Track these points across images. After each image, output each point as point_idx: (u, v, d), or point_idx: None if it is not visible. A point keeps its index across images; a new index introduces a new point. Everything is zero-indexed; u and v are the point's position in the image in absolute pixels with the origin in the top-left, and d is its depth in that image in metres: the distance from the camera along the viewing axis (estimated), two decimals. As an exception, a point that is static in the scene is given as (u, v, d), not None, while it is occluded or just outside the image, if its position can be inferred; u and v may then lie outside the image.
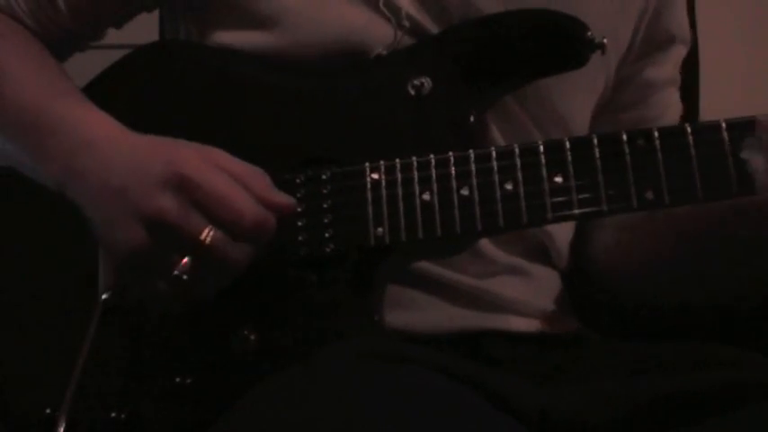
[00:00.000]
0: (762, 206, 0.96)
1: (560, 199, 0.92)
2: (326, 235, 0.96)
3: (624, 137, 0.92)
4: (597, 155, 0.92)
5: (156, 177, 0.88)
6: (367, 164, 0.95)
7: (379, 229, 0.94)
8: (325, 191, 0.96)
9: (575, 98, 1.09)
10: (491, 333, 1.04)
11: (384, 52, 1.01)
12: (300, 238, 0.96)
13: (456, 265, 1.03)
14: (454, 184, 0.93)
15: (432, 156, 0.94)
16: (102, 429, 0.97)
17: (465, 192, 0.93)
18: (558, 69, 1.01)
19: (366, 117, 0.99)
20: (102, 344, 0.95)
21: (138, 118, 0.96)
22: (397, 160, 0.95)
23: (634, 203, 0.92)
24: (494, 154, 0.94)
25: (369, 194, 0.95)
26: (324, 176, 0.96)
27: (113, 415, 0.97)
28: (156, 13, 1.17)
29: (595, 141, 0.93)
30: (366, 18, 1.01)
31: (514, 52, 1.00)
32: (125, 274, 0.93)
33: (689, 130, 0.90)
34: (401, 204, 0.94)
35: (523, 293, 1.07)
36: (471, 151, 0.94)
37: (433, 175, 0.94)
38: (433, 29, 1.02)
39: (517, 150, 0.93)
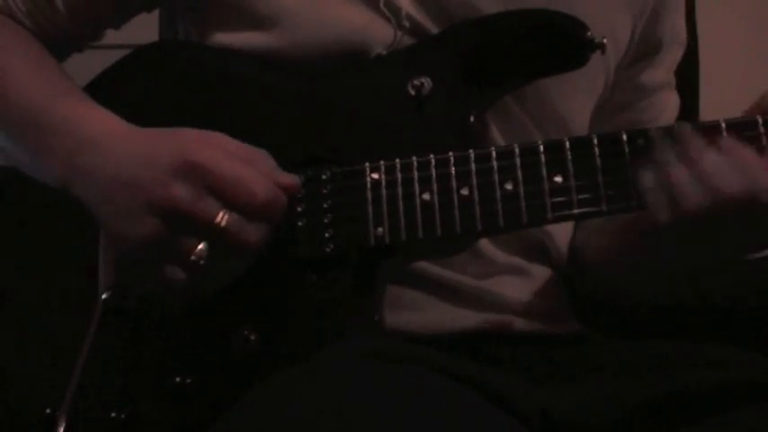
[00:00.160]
0: None
1: (560, 199, 0.92)
2: (326, 235, 0.95)
3: (624, 137, 0.92)
4: (597, 155, 0.92)
5: (165, 166, 0.89)
6: (367, 164, 0.95)
7: (379, 229, 0.94)
8: (325, 191, 0.96)
9: (575, 98, 1.09)
10: (491, 333, 1.04)
11: (384, 52, 1.01)
12: (300, 238, 0.96)
13: (456, 265, 1.03)
14: (454, 183, 0.93)
15: (432, 156, 0.94)
16: (102, 429, 0.97)
17: (465, 192, 0.93)
18: (558, 69, 1.01)
19: (366, 117, 0.99)
20: (102, 344, 0.96)
21: (138, 118, 0.96)
22: (397, 160, 0.95)
23: (634, 203, 0.92)
24: (494, 154, 0.93)
25: (369, 194, 0.95)
26: (324, 176, 0.96)
27: (113, 415, 0.97)
28: (155, 13, 1.17)
29: (595, 141, 0.92)
30: (366, 18, 1.01)
31: (514, 52, 1.00)
32: (137, 268, 0.93)
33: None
34: (401, 204, 0.94)
35: (523, 293, 1.07)
36: (471, 151, 0.94)
37: (433, 175, 0.94)
38: (433, 29, 1.02)
39: (517, 150, 0.93)
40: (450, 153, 0.94)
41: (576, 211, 0.92)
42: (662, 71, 1.17)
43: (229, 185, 0.89)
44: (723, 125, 0.90)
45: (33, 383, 1.00)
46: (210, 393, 0.96)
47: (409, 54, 1.01)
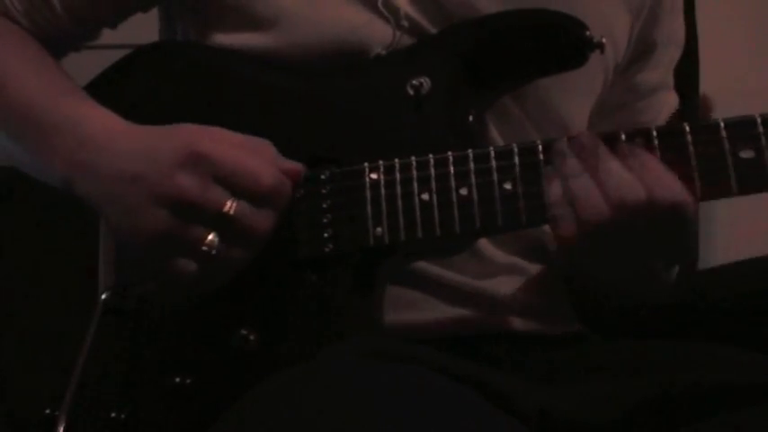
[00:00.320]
0: None
1: None
2: (326, 235, 0.95)
3: (622, 135, 0.91)
4: None
5: (169, 159, 0.90)
6: (366, 164, 0.95)
7: (378, 229, 0.94)
8: (324, 191, 0.96)
9: (573, 99, 1.09)
10: (491, 333, 1.04)
11: (383, 52, 1.01)
12: (300, 238, 0.96)
13: (455, 265, 1.03)
14: (453, 183, 0.93)
15: (431, 155, 0.94)
16: (101, 429, 0.97)
17: (464, 191, 0.93)
18: (557, 69, 1.01)
19: (365, 117, 0.99)
20: (102, 344, 0.96)
21: (138, 117, 0.96)
22: (396, 160, 0.94)
23: None
24: (492, 153, 0.93)
25: (368, 194, 0.95)
26: (323, 176, 0.96)
27: (113, 415, 0.97)
28: (155, 14, 1.17)
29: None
30: (365, 18, 1.01)
31: (514, 52, 1.00)
32: (147, 263, 0.94)
33: (687, 129, 0.90)
34: (400, 204, 0.94)
35: (523, 293, 1.07)
36: (470, 151, 0.93)
37: (432, 175, 0.94)
38: (432, 29, 1.02)
39: (516, 149, 0.93)
40: (449, 153, 0.94)
41: None
42: (658, 72, 1.17)
43: (235, 174, 0.89)
44: (722, 124, 0.89)
45: (33, 383, 1.00)
46: (210, 393, 0.96)
47: (408, 54, 1.00)
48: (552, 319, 1.09)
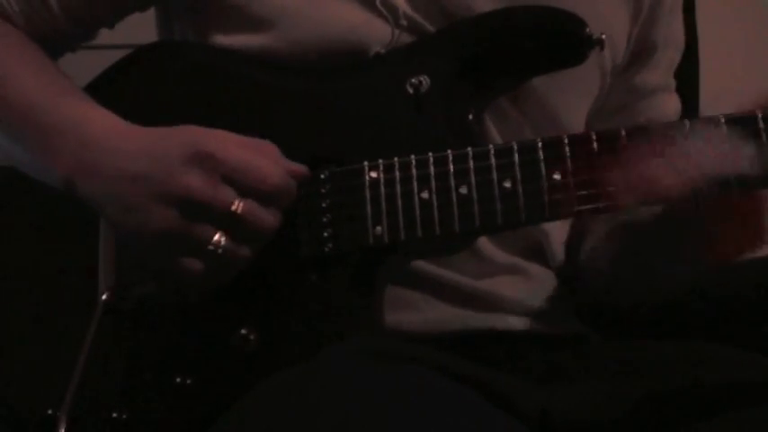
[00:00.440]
0: None
1: (559, 196, 0.92)
2: (325, 234, 0.95)
3: (623, 133, 0.91)
4: (596, 151, 0.92)
5: (176, 159, 0.90)
6: (365, 163, 0.95)
7: (378, 228, 0.94)
8: (323, 190, 0.96)
9: (571, 99, 1.09)
10: (491, 333, 1.04)
11: (382, 51, 1.00)
12: (300, 237, 0.96)
13: (455, 265, 1.03)
14: (453, 182, 0.93)
15: (430, 154, 0.94)
16: (102, 429, 0.97)
17: (464, 190, 0.93)
18: (556, 66, 1.01)
19: (364, 116, 0.99)
20: (102, 344, 0.96)
21: (138, 117, 0.96)
22: (396, 159, 0.94)
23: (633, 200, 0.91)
24: (492, 151, 0.93)
25: (367, 193, 0.94)
26: (322, 176, 0.96)
27: (114, 415, 0.97)
28: (154, 14, 1.17)
29: (594, 137, 0.92)
30: (363, 17, 1.01)
31: (512, 49, 0.99)
32: (152, 262, 0.94)
33: (687, 126, 0.90)
34: (400, 203, 0.94)
35: (523, 293, 1.07)
36: (470, 149, 0.94)
37: (432, 174, 0.94)
38: (431, 27, 1.02)
39: (516, 147, 0.93)
40: (449, 151, 0.94)
41: (575, 208, 0.92)
42: (657, 74, 1.17)
43: (242, 172, 0.90)
44: (722, 120, 0.89)
45: (34, 384, 1.00)
46: (211, 393, 0.96)
47: (407, 53, 1.00)
48: (552, 319, 1.09)
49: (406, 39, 1.01)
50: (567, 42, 0.99)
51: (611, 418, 0.94)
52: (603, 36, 0.98)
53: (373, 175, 0.95)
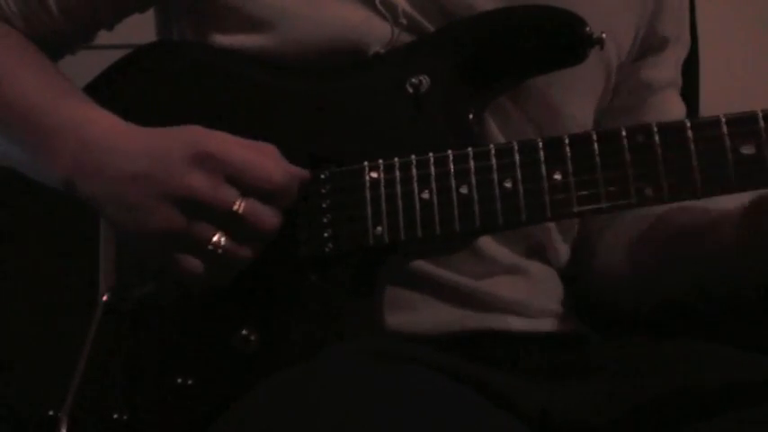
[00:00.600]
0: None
1: (560, 196, 0.92)
2: (326, 235, 0.95)
3: (623, 132, 0.91)
4: (596, 151, 0.92)
5: (178, 158, 0.90)
6: (366, 163, 0.95)
7: (378, 228, 0.94)
8: (323, 190, 0.96)
9: (574, 98, 1.08)
10: (491, 333, 1.04)
11: (382, 50, 1.00)
12: (300, 237, 0.96)
13: (455, 265, 1.03)
14: (453, 182, 0.93)
15: (431, 154, 0.94)
16: (103, 430, 0.97)
17: (464, 190, 0.93)
18: (557, 65, 1.00)
19: (364, 116, 0.99)
20: (103, 345, 0.96)
21: (137, 118, 0.96)
22: (396, 159, 0.94)
23: (633, 200, 0.91)
24: (493, 151, 0.93)
25: (367, 193, 0.94)
26: (322, 176, 0.96)
27: (115, 416, 0.97)
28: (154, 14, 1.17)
29: (594, 137, 0.92)
30: (363, 16, 1.01)
31: (513, 48, 0.99)
32: (152, 262, 0.94)
33: (688, 125, 0.90)
34: (400, 203, 0.94)
35: (523, 293, 1.07)
36: (470, 149, 0.93)
37: (432, 174, 0.94)
38: (431, 26, 1.02)
39: (516, 147, 0.93)
40: (449, 151, 0.94)
41: (575, 208, 0.92)
42: (667, 70, 1.17)
43: (244, 171, 0.90)
44: (723, 120, 0.89)
45: (35, 384, 1.01)
46: (211, 394, 0.96)
47: (407, 52, 1.00)
48: (552, 319, 1.09)
49: (406, 38, 1.01)
50: (567, 41, 0.98)
51: (611, 418, 0.94)
52: (604, 35, 0.97)
53: (373, 175, 0.95)
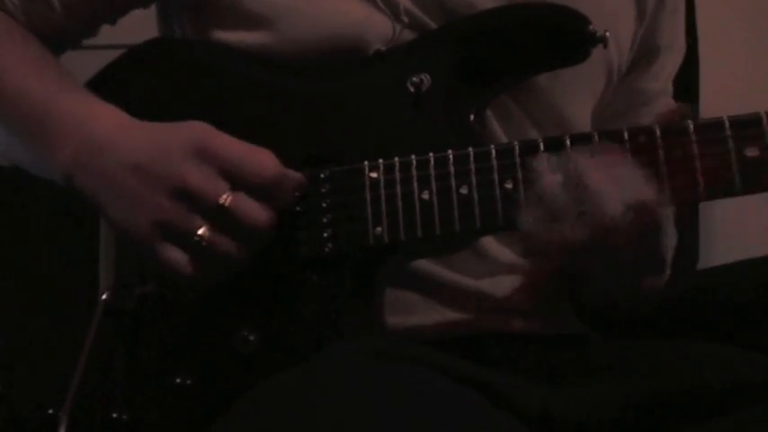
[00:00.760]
0: None
1: None
2: (325, 235, 0.95)
3: (625, 134, 0.91)
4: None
5: (177, 151, 0.90)
6: (366, 162, 0.95)
7: (378, 229, 0.94)
8: (323, 190, 0.96)
9: (575, 98, 1.08)
10: (491, 333, 1.04)
11: (383, 48, 1.00)
12: (299, 237, 0.96)
13: (456, 265, 1.03)
14: (453, 182, 0.93)
15: (431, 154, 0.94)
16: (103, 429, 0.97)
17: (464, 190, 0.93)
18: (559, 64, 1.00)
19: (365, 115, 0.99)
20: (102, 344, 0.96)
21: (137, 114, 0.96)
22: (396, 159, 0.94)
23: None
24: (493, 152, 0.93)
25: (367, 193, 0.94)
26: (322, 175, 0.96)
27: (115, 415, 0.97)
28: (154, 12, 1.17)
29: (596, 138, 0.92)
30: (364, 13, 1.01)
31: (515, 47, 0.99)
32: (141, 254, 0.93)
33: (691, 127, 0.89)
34: (400, 203, 0.93)
35: (523, 293, 1.07)
36: (471, 149, 0.93)
37: (433, 174, 0.93)
38: (432, 24, 1.01)
39: (517, 148, 0.93)
40: (450, 151, 0.93)
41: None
42: (660, 79, 1.17)
43: (239, 167, 0.90)
44: (726, 122, 0.88)
45: (35, 384, 1.00)
46: (211, 394, 0.96)
47: (408, 50, 1.00)
48: (552, 319, 1.09)
49: (407, 35, 1.01)
50: (570, 39, 0.98)
51: (611, 417, 0.94)
52: (607, 33, 0.96)
53: (373, 175, 0.95)
